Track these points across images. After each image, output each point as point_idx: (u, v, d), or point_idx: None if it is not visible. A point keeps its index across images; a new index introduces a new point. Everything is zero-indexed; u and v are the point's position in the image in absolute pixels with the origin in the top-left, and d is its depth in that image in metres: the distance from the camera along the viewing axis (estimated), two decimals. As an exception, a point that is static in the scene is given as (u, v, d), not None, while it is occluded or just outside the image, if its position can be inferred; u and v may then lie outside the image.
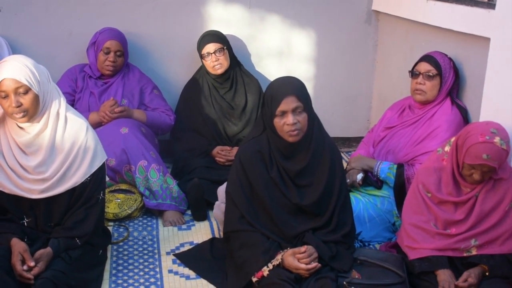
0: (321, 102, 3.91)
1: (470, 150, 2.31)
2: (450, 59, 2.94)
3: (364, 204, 2.88)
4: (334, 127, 3.90)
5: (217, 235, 2.88)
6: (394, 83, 3.71)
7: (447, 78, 2.90)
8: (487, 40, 2.62)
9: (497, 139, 2.28)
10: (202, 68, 3.56)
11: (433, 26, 3.13)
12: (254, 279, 2.29)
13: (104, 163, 2.44)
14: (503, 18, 2.51)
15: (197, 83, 3.57)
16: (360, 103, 4.07)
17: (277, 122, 2.32)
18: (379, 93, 3.98)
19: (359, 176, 2.94)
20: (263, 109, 2.41)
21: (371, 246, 2.82)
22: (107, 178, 2.55)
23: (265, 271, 2.28)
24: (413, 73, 2.97)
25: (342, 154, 3.95)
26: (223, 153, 3.40)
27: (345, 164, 3.07)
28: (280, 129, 2.33)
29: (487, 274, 2.32)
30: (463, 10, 2.84)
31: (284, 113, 2.30)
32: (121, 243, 2.79)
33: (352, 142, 4.09)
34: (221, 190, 2.69)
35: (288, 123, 2.29)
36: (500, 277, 2.33)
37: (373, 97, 4.06)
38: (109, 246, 2.70)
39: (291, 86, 2.35)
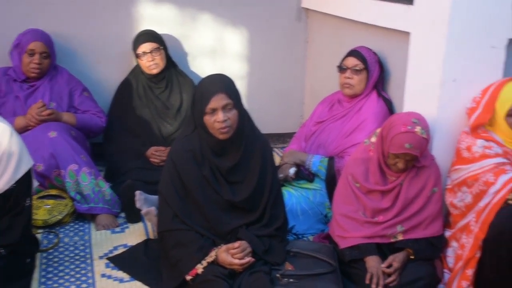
0: (255, 99, 3.97)
1: (393, 140, 2.40)
2: (375, 53, 3.03)
3: (297, 198, 2.93)
4: (268, 124, 3.96)
5: (152, 236, 2.86)
6: (325, 79, 3.79)
7: (373, 72, 3.00)
8: (407, 34, 2.72)
9: (418, 129, 2.37)
10: (136, 68, 3.52)
11: (359, 22, 3.22)
12: (188, 278, 2.29)
13: (30, 169, 2.36)
14: (421, 13, 2.61)
15: (131, 83, 3.53)
16: (293, 99, 4.13)
17: (208, 119, 2.33)
18: (311, 88, 4.06)
19: (292, 170, 2.99)
20: (193, 107, 2.41)
21: (304, 238, 2.88)
22: (35, 184, 2.46)
23: (199, 268, 2.29)
24: (341, 68, 3.05)
25: (277, 150, 4.01)
26: (158, 154, 3.38)
27: (280, 160, 3.12)
28: (211, 127, 2.34)
29: (412, 257, 2.42)
30: (385, 6, 2.93)
31: (214, 111, 2.31)
32: (51, 250, 2.71)
33: (287, 137, 4.14)
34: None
35: (218, 120, 2.31)
36: (424, 259, 2.43)
37: (305, 93, 4.13)
38: (38, 254, 2.62)
39: (220, 84, 2.36)
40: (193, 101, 2.43)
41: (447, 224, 2.58)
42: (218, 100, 2.30)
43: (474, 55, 2.50)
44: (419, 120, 2.42)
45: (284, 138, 4.17)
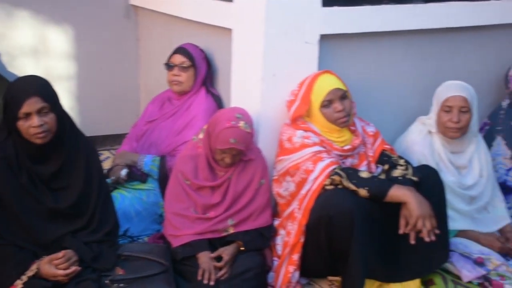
0: (87, 101, 3.81)
1: (219, 136, 2.43)
2: (202, 50, 3.06)
3: (130, 199, 2.86)
4: (104, 125, 3.84)
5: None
6: (158, 77, 3.73)
7: (200, 69, 3.02)
8: (230, 31, 2.78)
9: (241, 123, 2.43)
10: None
11: (186, 19, 3.22)
12: (6, 296, 2.12)
13: None
14: (240, 10, 2.69)
15: None
16: (128, 99, 4.02)
17: (22, 125, 2.16)
18: (145, 87, 3.99)
19: (123, 172, 2.91)
20: (5, 112, 2.23)
21: (140, 240, 2.81)
22: None
23: (19, 284, 2.12)
24: (169, 66, 3.03)
25: (114, 152, 3.88)
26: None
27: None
28: (26, 132, 2.18)
29: (242, 249, 2.48)
30: (207, 3, 2.96)
31: (28, 115, 2.15)
32: None
33: (123, 138, 4.02)
34: None
35: (33, 125, 2.15)
36: (254, 249, 2.51)
37: (140, 92, 4.05)
38: None
39: (33, 86, 2.20)
40: (4, 106, 2.24)
41: (276, 214, 2.69)
42: (32, 104, 2.15)
43: (290, 50, 2.62)
44: (243, 115, 2.48)
45: (120, 139, 4.00)
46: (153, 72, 3.82)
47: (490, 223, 2.89)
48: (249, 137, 2.47)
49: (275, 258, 2.59)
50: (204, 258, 2.41)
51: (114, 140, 4.03)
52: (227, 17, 2.79)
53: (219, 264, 2.38)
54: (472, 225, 2.84)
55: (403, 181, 2.43)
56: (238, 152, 2.47)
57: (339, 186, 2.41)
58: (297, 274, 2.47)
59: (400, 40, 2.93)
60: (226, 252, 2.43)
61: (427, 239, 2.27)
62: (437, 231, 2.29)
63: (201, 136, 2.60)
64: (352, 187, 2.37)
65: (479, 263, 2.62)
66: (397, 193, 2.32)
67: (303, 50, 2.64)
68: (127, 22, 3.88)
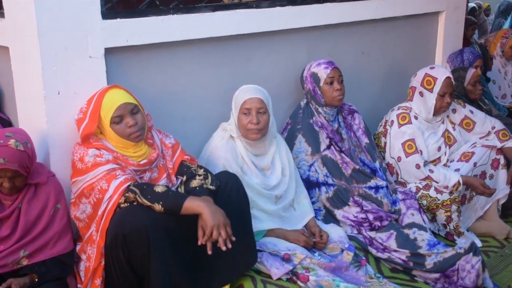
0: None
1: None
2: (-19, 71, 2.81)
3: None
4: None
5: None
6: None
7: (-19, 92, 2.77)
8: (7, 49, 2.57)
9: (12, 142, 2.24)
10: None
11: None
12: None
13: None
14: (13, 27, 2.50)
15: None
16: None
17: None
18: None
19: None
20: None
21: None
22: None
23: None
24: None
25: None
26: None
27: None
28: None
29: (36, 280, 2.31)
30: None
31: None
32: None
33: None
34: None
35: None
36: (53, 280, 2.35)
37: None
38: None
39: None
40: None
41: (79, 239, 2.55)
42: None
43: (75, 66, 2.49)
44: (14, 133, 2.30)
45: None
46: None
47: (297, 220, 3.02)
48: (23, 156, 2.25)
49: (80, 286, 2.44)
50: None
51: None
52: (1, 34, 2.57)
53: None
54: (281, 224, 2.94)
55: (200, 191, 2.42)
56: (15, 174, 2.26)
57: (135, 203, 2.34)
58: (101, 299, 2.36)
59: (195, 49, 2.94)
60: (16, 284, 2.23)
61: (223, 248, 2.27)
62: (233, 238, 2.30)
63: (-24, 164, 2.36)
64: (147, 203, 2.31)
65: (286, 259, 2.72)
66: (191, 205, 2.30)
67: (89, 65, 2.52)
68: None
